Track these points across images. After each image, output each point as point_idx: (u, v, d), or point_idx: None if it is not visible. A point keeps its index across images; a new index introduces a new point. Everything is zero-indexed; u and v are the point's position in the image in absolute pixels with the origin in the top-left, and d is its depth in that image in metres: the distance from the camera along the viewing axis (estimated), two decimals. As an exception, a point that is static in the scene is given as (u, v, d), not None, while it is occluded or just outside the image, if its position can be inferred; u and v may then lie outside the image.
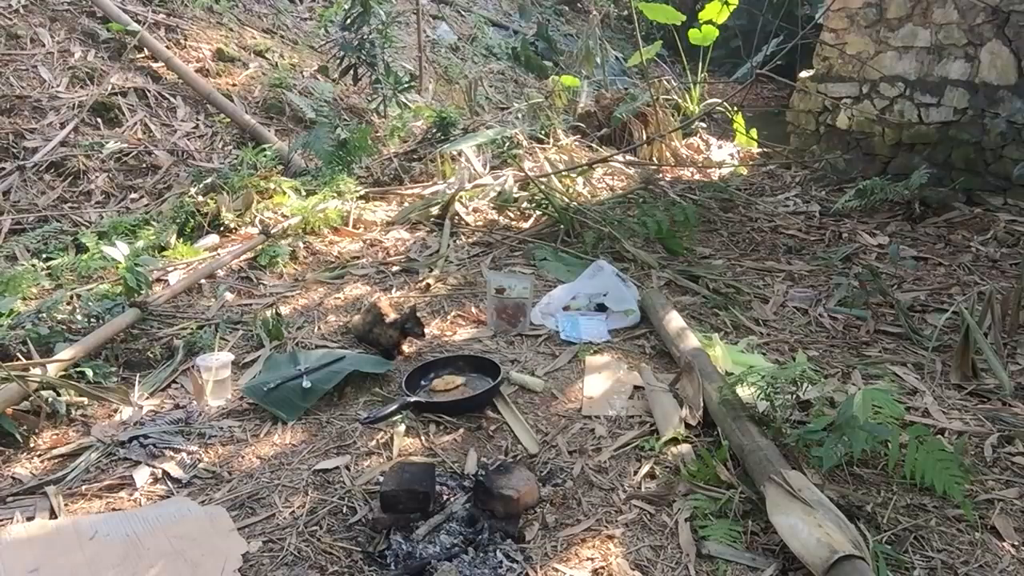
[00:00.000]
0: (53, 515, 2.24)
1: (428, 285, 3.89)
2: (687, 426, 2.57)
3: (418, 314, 3.22)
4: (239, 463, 2.48)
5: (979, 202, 5.14)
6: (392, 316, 3.16)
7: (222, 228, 4.62)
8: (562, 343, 3.31)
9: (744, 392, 2.60)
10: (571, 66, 9.29)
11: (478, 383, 2.90)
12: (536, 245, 4.45)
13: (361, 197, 5.14)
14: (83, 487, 2.36)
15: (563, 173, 5.61)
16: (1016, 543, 2.12)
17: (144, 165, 5.36)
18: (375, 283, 3.98)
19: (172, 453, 2.52)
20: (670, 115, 7.23)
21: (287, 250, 4.25)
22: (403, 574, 1.97)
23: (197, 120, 5.95)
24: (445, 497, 2.26)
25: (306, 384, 2.81)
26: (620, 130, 7.07)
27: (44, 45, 5.78)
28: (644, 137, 6.83)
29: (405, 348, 3.18)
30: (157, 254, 4.24)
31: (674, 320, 3.24)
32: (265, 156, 5.23)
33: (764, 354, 3.21)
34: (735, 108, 7.63)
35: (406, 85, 6.80)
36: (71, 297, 3.58)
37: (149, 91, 5.89)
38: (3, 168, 4.96)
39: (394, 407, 2.67)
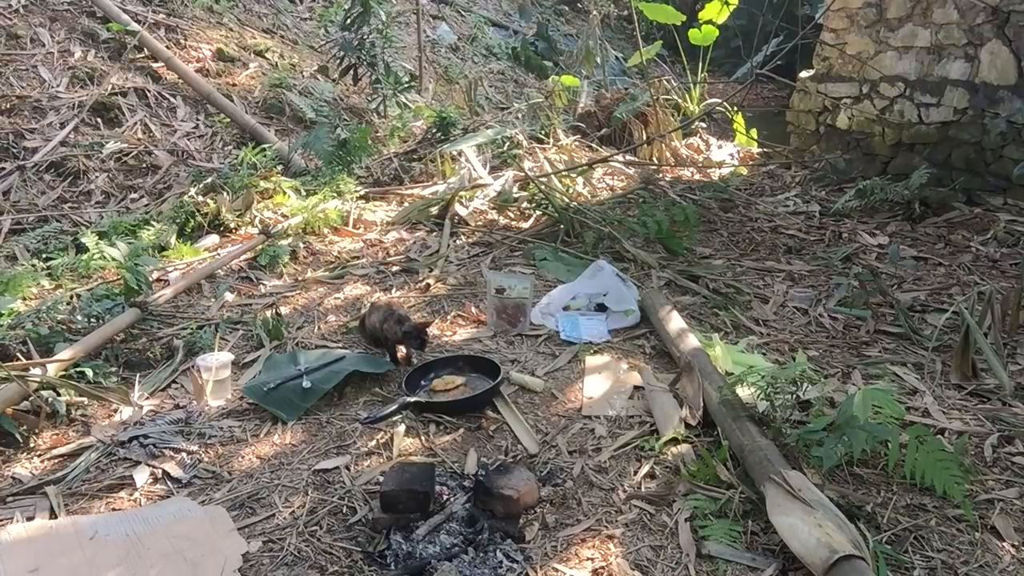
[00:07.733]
0: (53, 515, 2.24)
1: (428, 285, 3.89)
2: (687, 426, 2.58)
3: (426, 329, 3.11)
4: (239, 463, 2.48)
5: (979, 202, 5.14)
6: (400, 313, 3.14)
7: (222, 228, 4.62)
8: (562, 343, 3.31)
9: (744, 392, 2.60)
10: (571, 66, 9.29)
11: (478, 383, 2.90)
12: (536, 245, 4.45)
13: (361, 197, 5.14)
14: (83, 487, 2.36)
15: (563, 173, 5.61)
16: (1016, 543, 2.12)
17: (144, 165, 5.36)
18: (375, 283, 3.98)
19: (172, 453, 2.52)
20: (670, 115, 7.23)
21: (287, 250, 4.26)
22: (403, 574, 1.97)
23: (197, 120, 5.95)
24: (445, 497, 2.26)
25: (306, 384, 2.81)
26: (620, 130, 7.08)
27: (44, 45, 5.78)
28: (644, 137, 6.83)
29: (414, 360, 3.09)
30: (157, 254, 4.24)
31: (674, 320, 3.23)
32: (265, 156, 5.23)
33: (764, 354, 3.20)
34: (735, 108, 7.63)
35: (406, 85, 6.80)
36: (71, 297, 3.57)
37: (149, 91, 5.89)
38: (3, 168, 4.96)
39: (394, 407, 2.67)
